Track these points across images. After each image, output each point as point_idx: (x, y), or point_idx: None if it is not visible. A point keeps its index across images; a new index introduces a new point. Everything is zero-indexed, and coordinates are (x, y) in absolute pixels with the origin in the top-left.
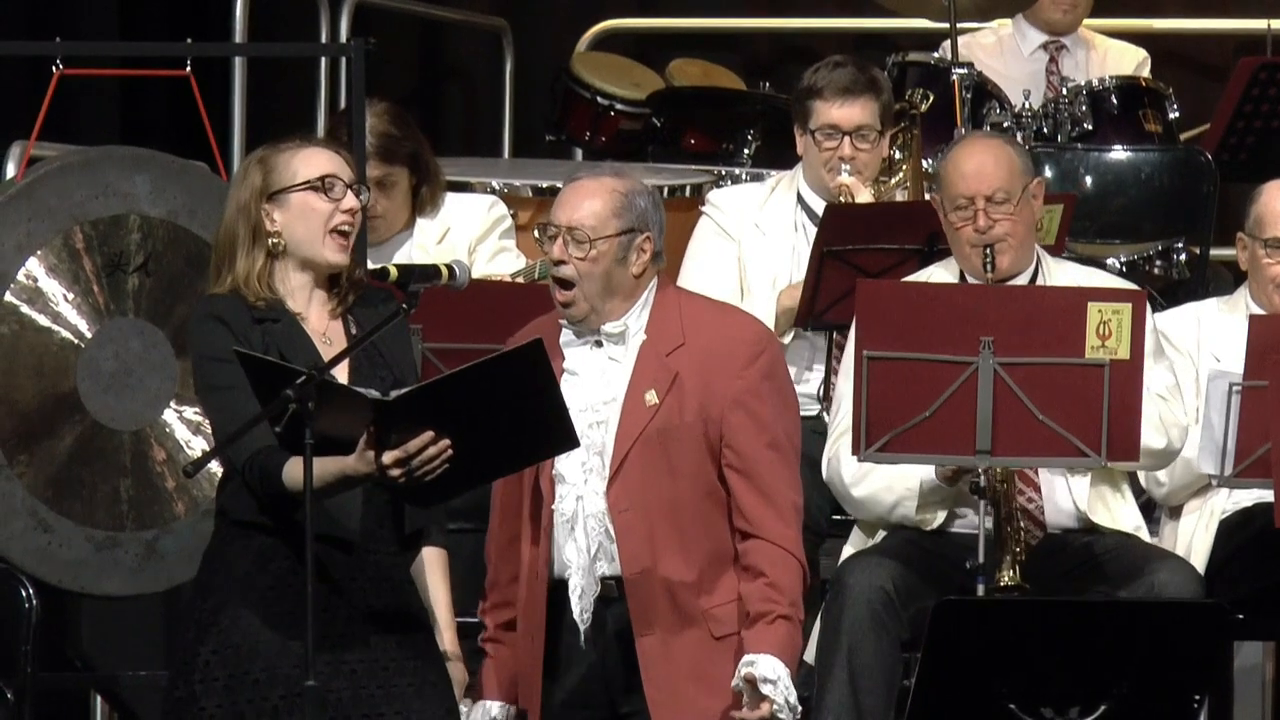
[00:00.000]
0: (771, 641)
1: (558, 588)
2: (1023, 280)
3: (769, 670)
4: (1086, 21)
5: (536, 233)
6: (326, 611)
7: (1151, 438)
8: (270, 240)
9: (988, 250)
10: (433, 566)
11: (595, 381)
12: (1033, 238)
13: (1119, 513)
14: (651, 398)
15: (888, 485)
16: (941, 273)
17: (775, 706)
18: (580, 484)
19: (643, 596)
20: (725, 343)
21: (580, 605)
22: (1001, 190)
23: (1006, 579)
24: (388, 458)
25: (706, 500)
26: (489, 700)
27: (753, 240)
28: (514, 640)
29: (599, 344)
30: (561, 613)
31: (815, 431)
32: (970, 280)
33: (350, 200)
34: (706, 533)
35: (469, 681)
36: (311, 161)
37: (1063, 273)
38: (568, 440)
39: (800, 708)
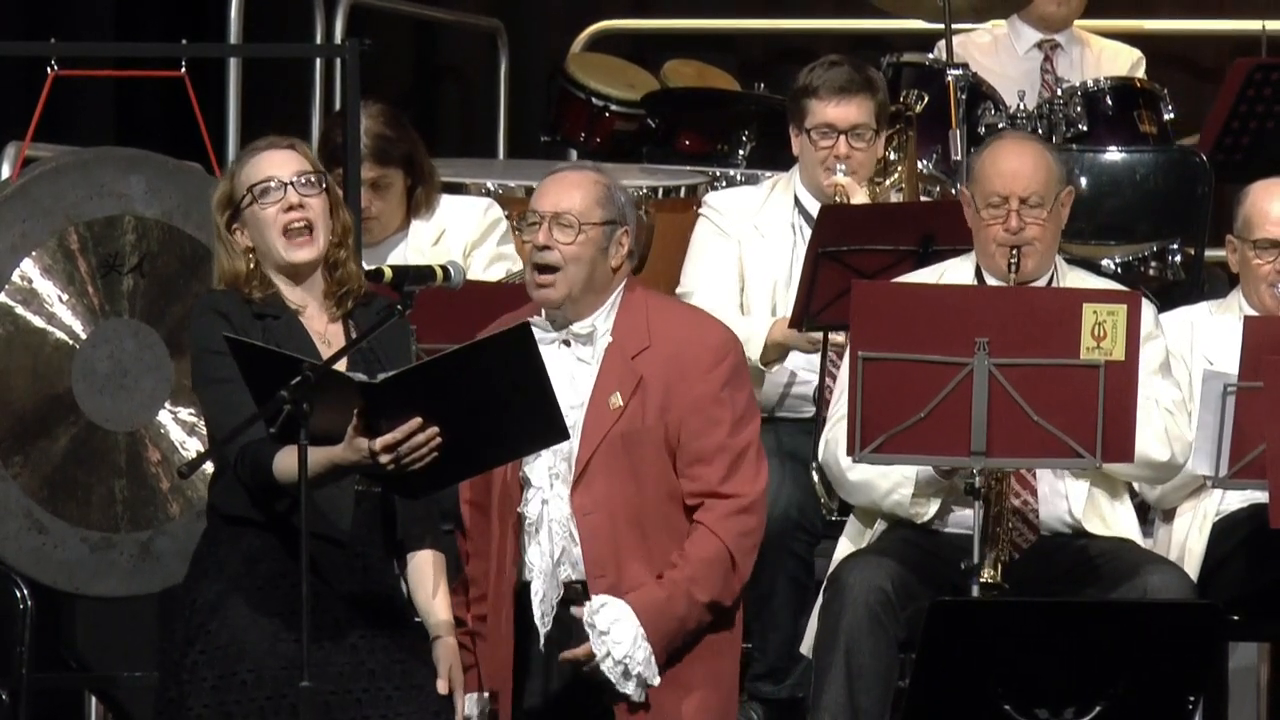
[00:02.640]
0: (639, 597)
1: (525, 590)
2: (1040, 285)
3: (605, 620)
4: (1081, 22)
5: (517, 222)
6: (315, 612)
7: (1156, 449)
8: (246, 256)
9: (1014, 252)
10: (430, 568)
11: (564, 384)
12: (1056, 244)
13: (1115, 522)
14: (616, 400)
15: (883, 471)
16: (959, 268)
17: (598, 657)
18: (546, 488)
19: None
20: (690, 347)
21: (540, 610)
22: (1036, 194)
23: (987, 576)
24: (377, 443)
25: (669, 503)
26: (474, 693)
27: (752, 241)
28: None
29: (566, 343)
30: (529, 613)
31: (810, 434)
32: (988, 278)
33: (291, 196)
34: (670, 535)
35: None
36: (253, 170)
37: (1076, 280)
38: (557, 432)
39: (641, 673)
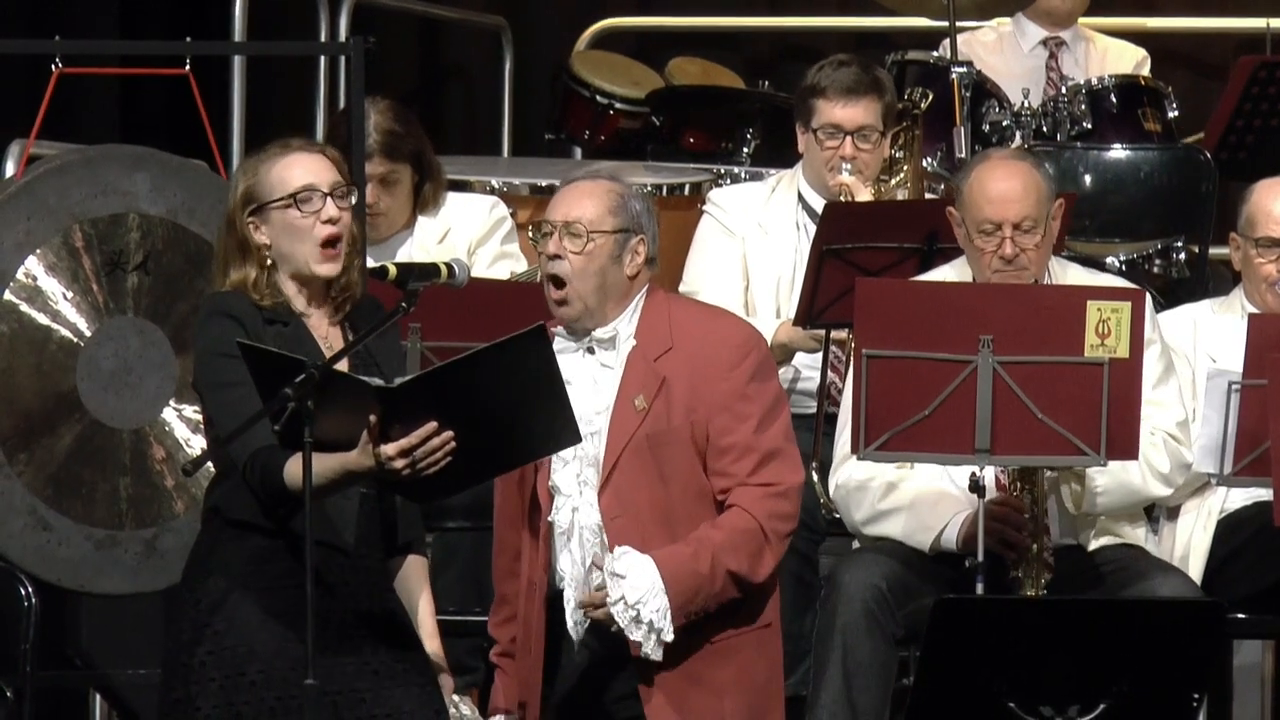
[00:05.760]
0: (663, 554)
1: (556, 598)
2: None
3: (623, 566)
4: (1086, 20)
5: (531, 232)
6: (321, 615)
7: (1157, 488)
8: (261, 254)
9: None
10: (417, 575)
11: (588, 390)
12: (1050, 253)
13: (1128, 537)
14: (640, 403)
15: (903, 536)
16: (952, 277)
17: (609, 599)
18: (575, 496)
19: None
20: (712, 346)
21: (574, 617)
22: (1029, 219)
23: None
24: (391, 448)
25: (697, 504)
26: (500, 715)
27: (756, 239)
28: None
29: (590, 351)
30: (560, 622)
31: (813, 430)
32: None
33: (330, 209)
34: None
35: (457, 683)
36: (290, 172)
37: (1069, 276)
38: (570, 434)
39: (654, 622)
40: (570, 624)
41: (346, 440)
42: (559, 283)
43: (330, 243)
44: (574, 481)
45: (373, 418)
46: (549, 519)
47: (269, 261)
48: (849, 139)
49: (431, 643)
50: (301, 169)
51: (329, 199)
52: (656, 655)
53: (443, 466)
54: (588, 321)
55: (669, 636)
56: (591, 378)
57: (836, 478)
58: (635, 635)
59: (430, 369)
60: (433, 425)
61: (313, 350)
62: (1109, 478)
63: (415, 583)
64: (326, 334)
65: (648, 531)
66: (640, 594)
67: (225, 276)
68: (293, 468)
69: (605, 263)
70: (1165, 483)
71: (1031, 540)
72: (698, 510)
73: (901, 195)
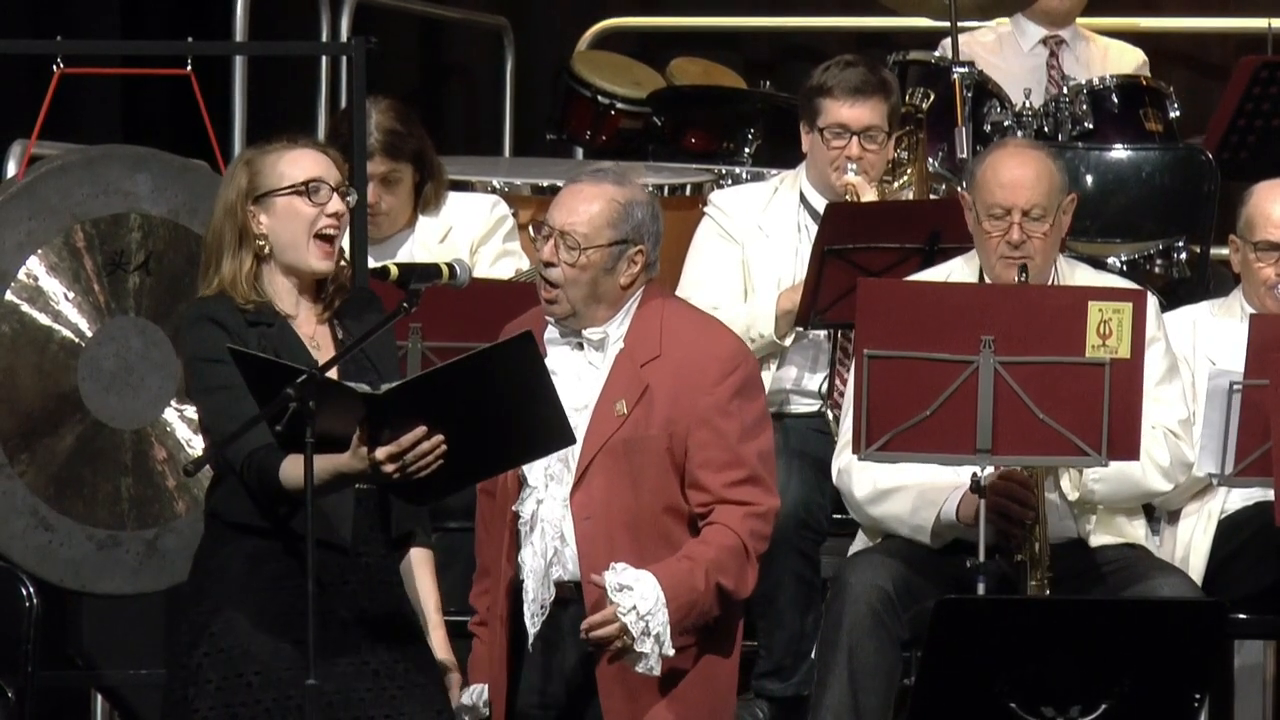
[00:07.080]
0: (661, 569)
1: (520, 588)
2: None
3: (630, 579)
4: (1087, 20)
5: (532, 230)
6: (319, 615)
7: (1158, 482)
8: (257, 243)
9: (1023, 269)
10: (420, 567)
11: (571, 384)
12: (1057, 251)
13: (1128, 533)
14: (620, 408)
15: (900, 518)
16: (962, 269)
17: (620, 610)
18: (541, 488)
19: (600, 605)
20: (699, 358)
21: (530, 610)
22: (1039, 207)
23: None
24: (381, 453)
25: (666, 514)
26: (478, 684)
27: (756, 242)
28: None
29: (580, 346)
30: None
31: (820, 431)
32: (989, 282)
33: (335, 204)
34: (665, 546)
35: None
36: (298, 164)
37: (1080, 277)
38: (563, 436)
39: (660, 635)
40: (528, 616)
41: (340, 442)
42: (552, 284)
43: (328, 238)
44: (541, 474)
45: (360, 423)
46: (514, 508)
47: (266, 250)
48: (855, 139)
49: (436, 634)
50: (311, 161)
51: (335, 194)
52: (657, 670)
53: (434, 469)
54: (576, 322)
55: (670, 651)
56: (576, 373)
57: (839, 461)
58: (642, 648)
59: (416, 375)
60: (421, 430)
61: (298, 352)
62: (1109, 468)
63: (420, 576)
64: (313, 333)
65: (615, 536)
66: (649, 605)
67: (216, 270)
68: (288, 468)
69: (597, 274)
70: (1166, 477)
71: (1034, 516)
72: (665, 522)
73: (906, 197)
